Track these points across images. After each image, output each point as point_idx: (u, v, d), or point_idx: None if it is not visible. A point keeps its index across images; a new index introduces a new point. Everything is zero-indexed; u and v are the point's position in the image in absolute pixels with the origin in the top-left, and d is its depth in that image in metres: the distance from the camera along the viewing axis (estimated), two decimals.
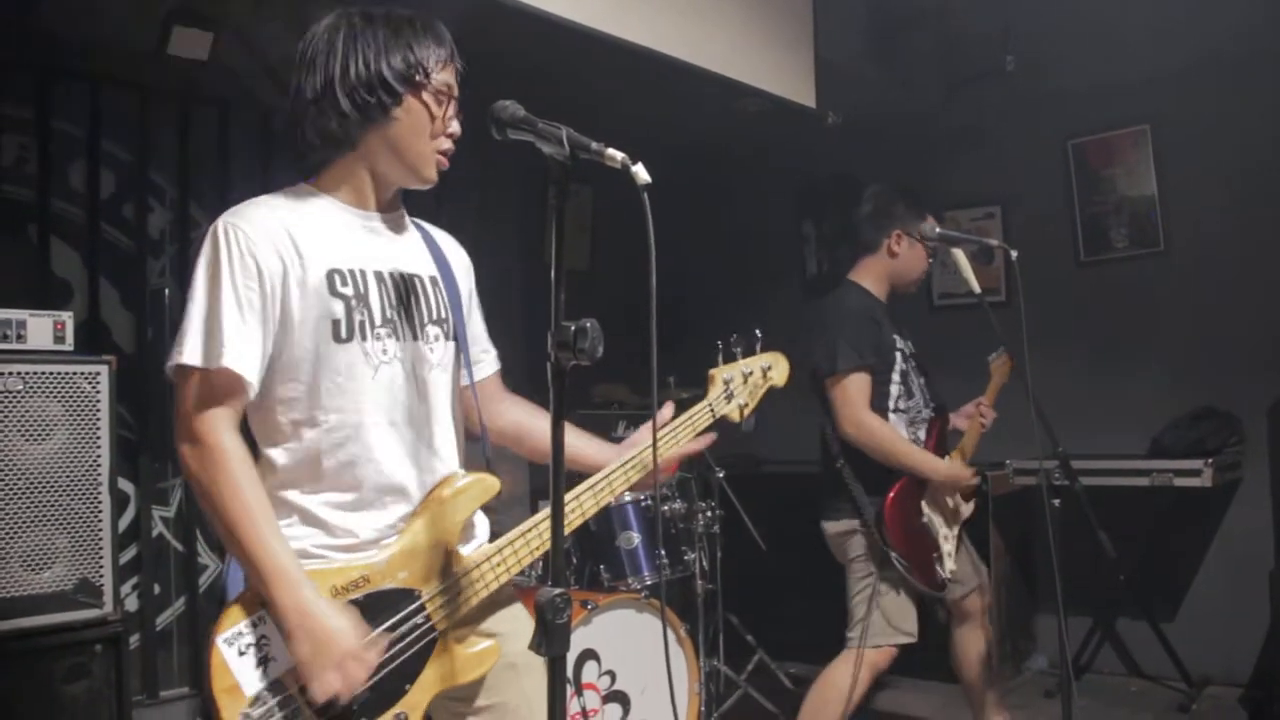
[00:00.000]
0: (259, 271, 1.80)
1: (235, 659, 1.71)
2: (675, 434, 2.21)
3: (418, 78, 1.90)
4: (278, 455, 1.87)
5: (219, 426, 1.76)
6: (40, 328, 3.08)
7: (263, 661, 1.73)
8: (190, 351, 1.76)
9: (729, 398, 2.32)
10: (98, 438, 3.09)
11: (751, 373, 2.39)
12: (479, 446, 2.12)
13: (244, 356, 1.77)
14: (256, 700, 1.71)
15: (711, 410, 2.30)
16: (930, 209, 3.69)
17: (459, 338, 2.08)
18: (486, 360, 2.23)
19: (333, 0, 2.08)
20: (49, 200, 3.99)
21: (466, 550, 2.00)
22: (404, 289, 1.98)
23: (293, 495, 1.86)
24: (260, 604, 1.74)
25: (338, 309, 1.86)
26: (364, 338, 1.89)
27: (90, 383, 3.08)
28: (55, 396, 3.01)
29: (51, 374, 3.01)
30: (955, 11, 4.89)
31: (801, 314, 5.62)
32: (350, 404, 1.87)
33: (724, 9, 4.16)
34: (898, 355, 3.57)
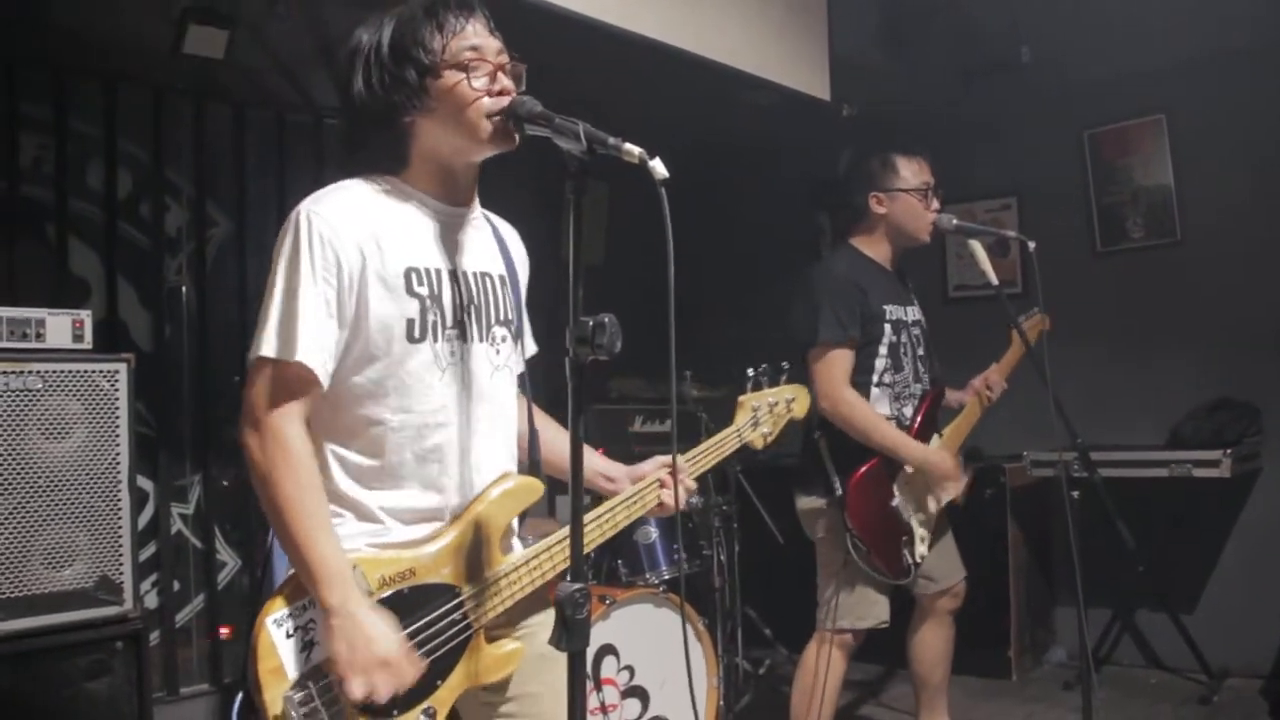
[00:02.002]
0: (338, 263, 1.78)
1: (282, 641, 1.72)
2: (704, 458, 2.29)
3: (426, 60, 1.85)
4: (339, 449, 1.87)
5: (287, 419, 1.76)
6: (59, 326, 3.08)
7: (307, 646, 1.74)
8: (266, 344, 1.76)
9: (755, 425, 2.42)
10: (116, 435, 3.09)
11: (777, 404, 2.47)
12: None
13: (318, 351, 1.76)
14: (299, 684, 1.72)
15: (739, 436, 2.38)
16: (947, 201, 3.66)
17: (520, 337, 2.09)
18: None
19: None
20: (67, 200, 4.01)
21: (506, 551, 2.00)
22: (476, 289, 1.97)
23: (350, 490, 1.86)
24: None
25: (412, 309, 1.85)
26: (435, 339, 1.88)
27: (109, 381, 3.09)
28: (74, 394, 3.01)
29: (70, 372, 3.01)
30: (970, 3, 4.87)
31: None
32: (416, 404, 1.87)
33: (736, 1, 4.15)
34: (887, 327, 3.44)
